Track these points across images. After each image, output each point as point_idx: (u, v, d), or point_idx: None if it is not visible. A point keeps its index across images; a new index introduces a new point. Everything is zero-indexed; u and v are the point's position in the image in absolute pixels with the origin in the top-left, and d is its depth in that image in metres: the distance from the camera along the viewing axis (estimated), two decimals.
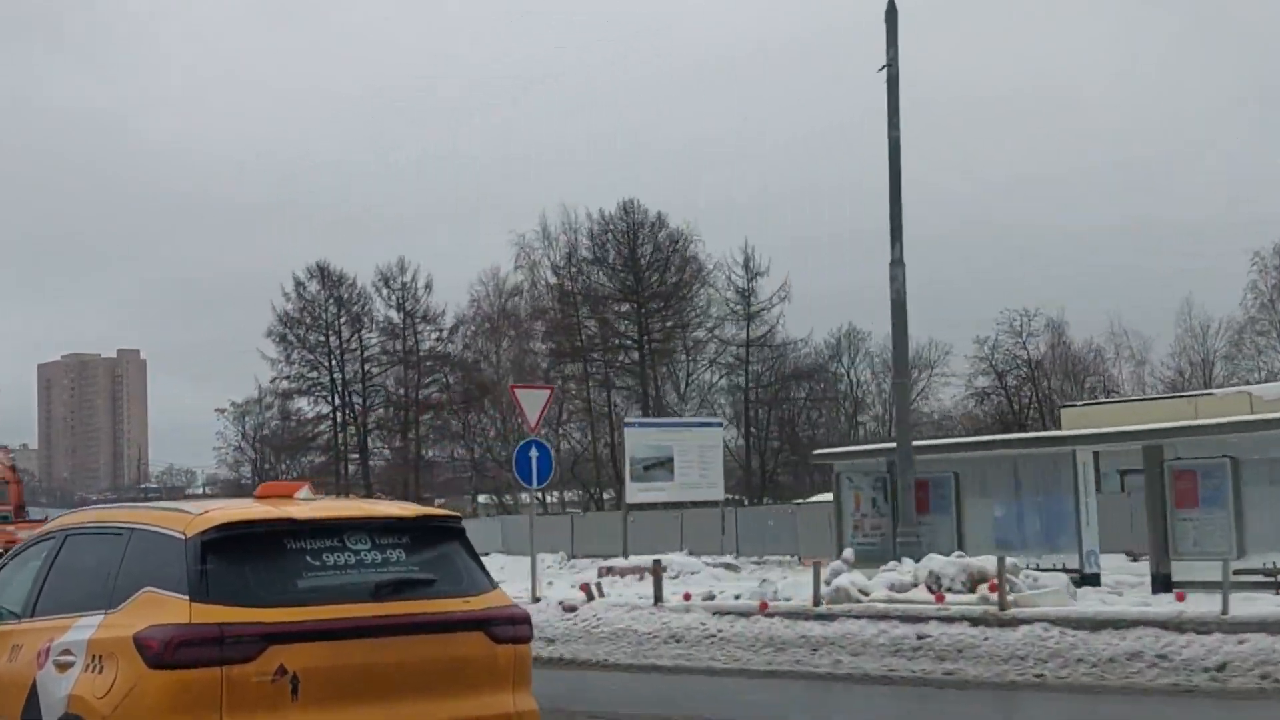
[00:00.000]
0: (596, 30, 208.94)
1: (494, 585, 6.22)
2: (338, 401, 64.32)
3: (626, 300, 57.85)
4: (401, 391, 63.84)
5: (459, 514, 6.62)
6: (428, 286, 63.42)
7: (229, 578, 5.58)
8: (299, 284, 64.11)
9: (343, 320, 64.10)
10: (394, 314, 64.04)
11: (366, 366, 64.21)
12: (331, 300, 64.27)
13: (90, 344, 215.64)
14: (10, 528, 40.16)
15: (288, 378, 65.21)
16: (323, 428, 65.69)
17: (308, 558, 5.73)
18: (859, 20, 65.69)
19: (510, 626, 6.07)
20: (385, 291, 63.70)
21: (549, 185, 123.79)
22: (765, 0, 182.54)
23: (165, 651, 5.37)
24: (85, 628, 5.82)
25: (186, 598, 5.51)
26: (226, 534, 5.69)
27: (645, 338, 57.33)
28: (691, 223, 58.63)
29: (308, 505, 6.08)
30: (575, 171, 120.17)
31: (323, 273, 64.39)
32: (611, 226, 57.98)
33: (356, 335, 64.24)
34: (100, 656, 5.64)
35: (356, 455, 65.24)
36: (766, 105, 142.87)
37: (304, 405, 66.20)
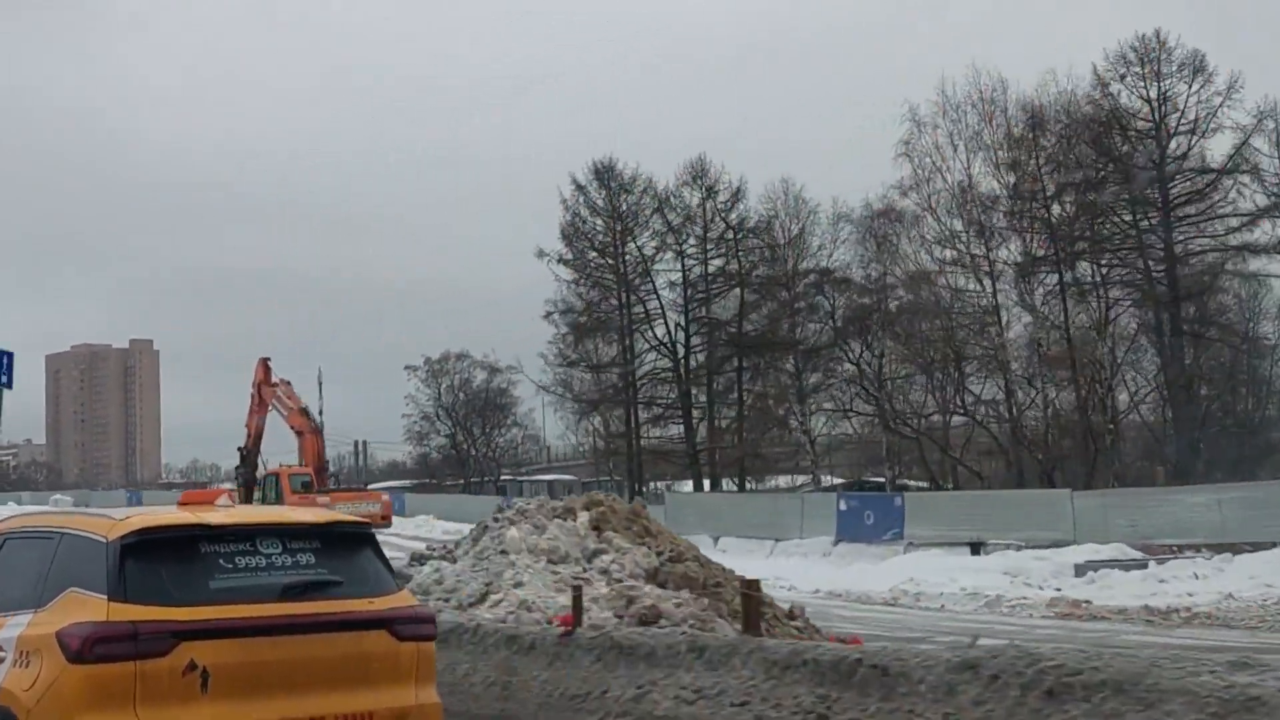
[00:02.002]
0: None
1: (400, 587, 6.67)
2: (665, 341, 56.99)
3: None
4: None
5: (367, 520, 7.06)
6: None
7: (145, 579, 6.01)
8: (578, 187, 57.28)
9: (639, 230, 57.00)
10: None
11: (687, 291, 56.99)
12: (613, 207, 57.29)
13: (100, 334, 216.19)
14: (325, 499, 36.37)
15: (579, 312, 58.27)
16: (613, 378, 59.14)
17: (220, 560, 6.16)
18: None
19: (413, 625, 6.51)
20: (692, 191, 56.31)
21: None
22: None
23: (83, 648, 5.80)
24: (16, 625, 6.25)
25: (105, 597, 5.95)
26: (144, 538, 6.12)
27: None
28: None
29: (223, 512, 6.53)
30: None
31: (604, 172, 56.95)
32: None
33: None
34: (28, 652, 6.07)
35: (679, 416, 58.12)
36: None
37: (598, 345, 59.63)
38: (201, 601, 6.00)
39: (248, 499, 37.28)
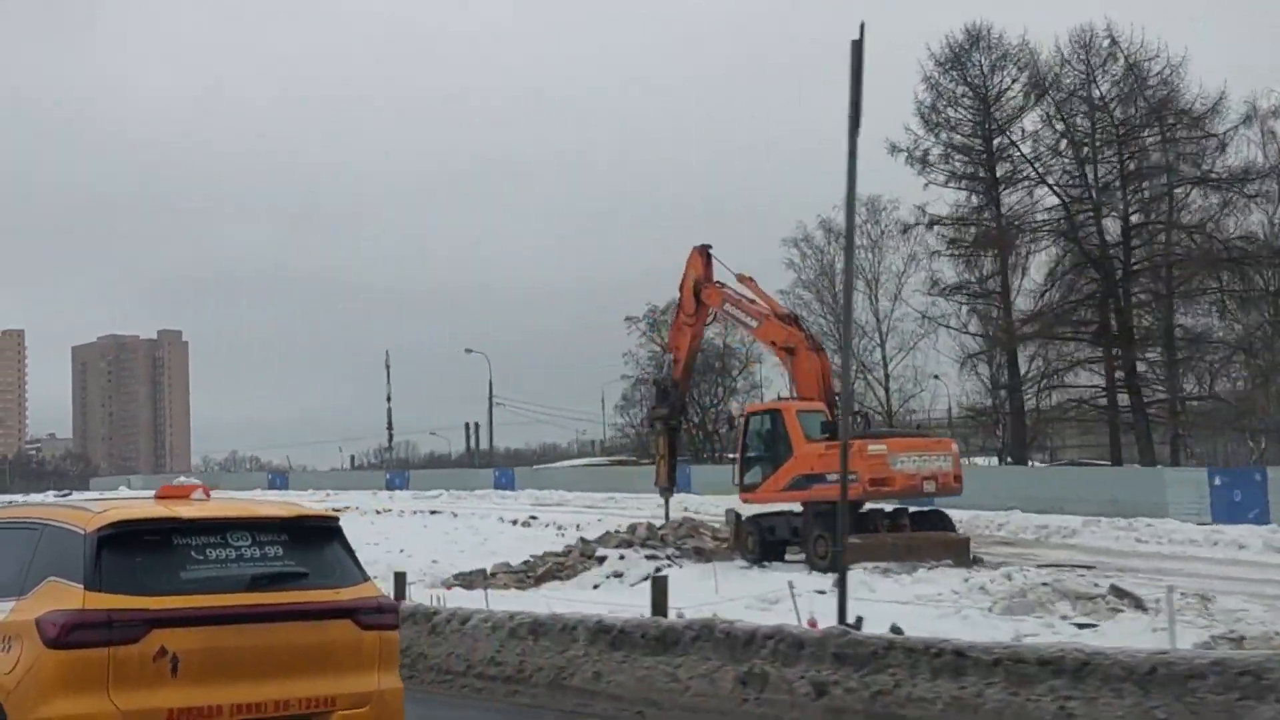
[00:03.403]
0: None
1: (366, 578, 6.99)
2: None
3: None
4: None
5: (336, 514, 7.37)
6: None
7: (120, 569, 6.35)
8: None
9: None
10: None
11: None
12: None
13: (130, 325, 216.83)
14: (880, 447, 22.64)
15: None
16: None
17: (192, 552, 6.50)
18: None
19: (377, 615, 6.86)
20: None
21: None
22: None
23: (60, 634, 6.15)
24: (0, 612, 6.61)
25: (82, 586, 6.30)
26: (120, 530, 6.46)
27: None
28: None
29: (197, 505, 6.85)
30: None
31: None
32: None
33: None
34: (9, 638, 6.41)
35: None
36: None
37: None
38: (173, 591, 6.34)
39: (671, 456, 27.96)
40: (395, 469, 76.64)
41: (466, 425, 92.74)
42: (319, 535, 6.97)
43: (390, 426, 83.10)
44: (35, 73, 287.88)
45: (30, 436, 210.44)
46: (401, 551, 26.12)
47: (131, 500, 7.63)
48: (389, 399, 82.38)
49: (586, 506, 42.55)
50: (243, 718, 6.36)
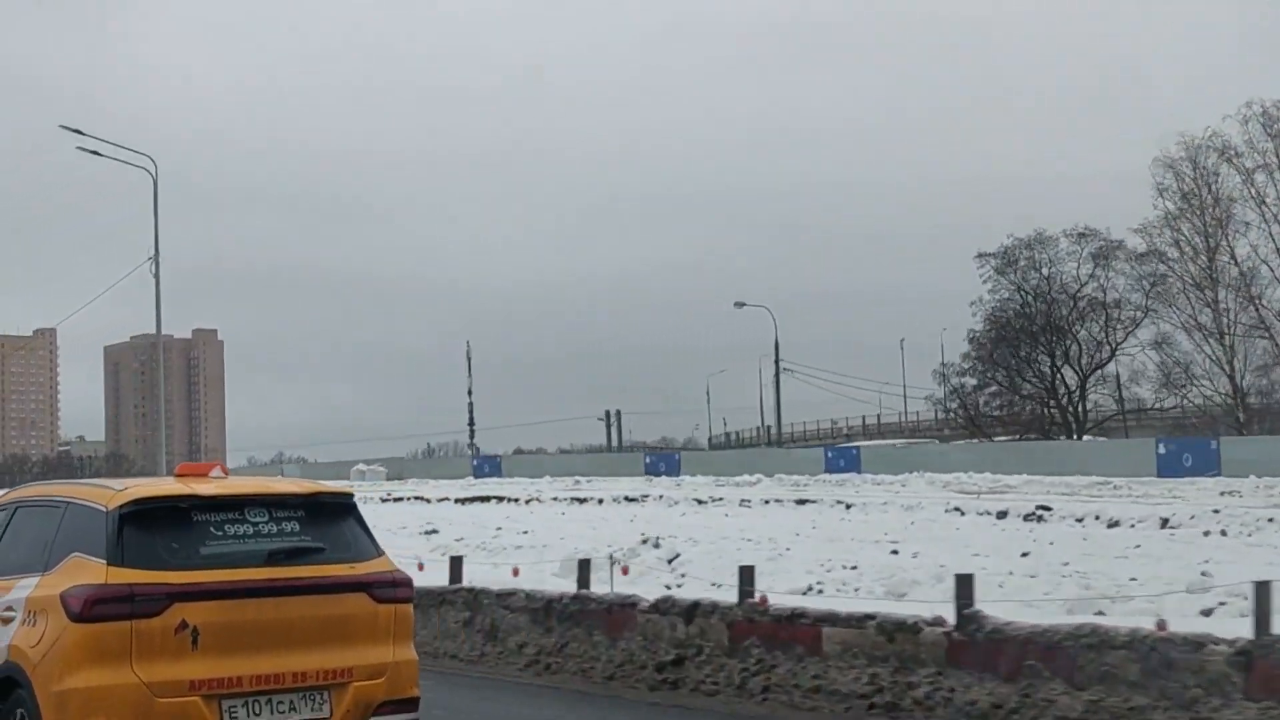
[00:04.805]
0: None
1: (380, 553, 7.15)
2: None
3: None
4: None
5: (350, 491, 7.53)
6: None
7: (141, 545, 6.53)
8: None
9: None
10: None
11: None
12: None
13: (163, 326, 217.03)
14: None
15: None
16: None
17: (211, 528, 6.68)
18: None
19: (391, 589, 7.01)
20: None
21: None
22: None
23: (84, 608, 6.34)
24: (25, 587, 6.80)
25: (104, 562, 6.48)
26: (140, 508, 6.64)
27: None
28: None
29: (215, 483, 7.02)
30: None
31: None
32: None
33: None
34: (35, 612, 6.61)
35: None
36: None
37: None
38: (193, 566, 6.52)
39: None
40: (482, 457, 73.03)
41: (607, 413, 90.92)
42: (335, 511, 7.12)
43: (471, 422, 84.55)
44: (66, 64, 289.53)
45: (61, 439, 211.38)
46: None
47: (152, 479, 7.80)
48: (470, 392, 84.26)
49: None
50: (262, 688, 6.52)
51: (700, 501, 33.18)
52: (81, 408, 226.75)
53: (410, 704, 7.01)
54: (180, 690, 6.34)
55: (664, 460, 59.79)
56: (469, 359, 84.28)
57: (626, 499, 35.11)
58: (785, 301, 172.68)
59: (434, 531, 24.90)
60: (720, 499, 33.50)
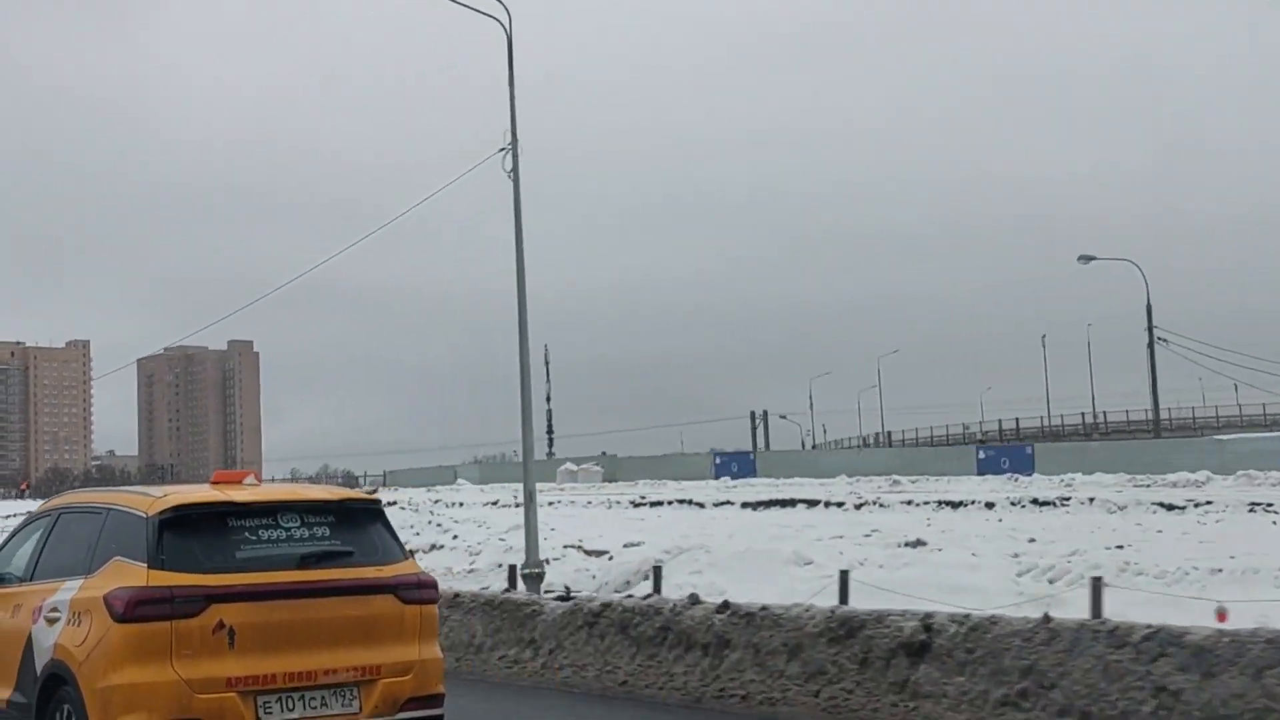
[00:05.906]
0: None
1: (407, 556, 7.49)
2: None
3: None
4: None
5: (378, 497, 7.85)
6: None
7: (180, 549, 6.90)
8: None
9: None
10: None
11: None
12: None
13: (198, 336, 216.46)
14: None
15: None
16: None
17: (246, 533, 7.04)
18: None
19: (417, 590, 7.36)
20: None
21: None
22: None
23: (126, 609, 6.70)
24: (69, 589, 7.16)
25: (145, 565, 6.84)
26: (179, 514, 7.01)
27: None
28: None
29: (249, 490, 7.37)
30: None
31: None
32: None
33: None
34: (79, 613, 6.97)
35: None
36: None
37: None
38: (229, 569, 6.88)
39: None
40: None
41: (752, 414, 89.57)
42: (363, 516, 7.47)
43: (550, 430, 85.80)
44: (93, 72, 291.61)
45: (94, 453, 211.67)
46: None
47: (189, 486, 8.16)
48: (548, 399, 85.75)
49: None
50: (295, 685, 6.87)
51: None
52: (113, 418, 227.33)
53: (435, 700, 7.34)
54: (218, 687, 6.68)
55: (1006, 454, 53.01)
56: (547, 364, 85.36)
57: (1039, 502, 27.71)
58: None
59: (809, 563, 16.92)
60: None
